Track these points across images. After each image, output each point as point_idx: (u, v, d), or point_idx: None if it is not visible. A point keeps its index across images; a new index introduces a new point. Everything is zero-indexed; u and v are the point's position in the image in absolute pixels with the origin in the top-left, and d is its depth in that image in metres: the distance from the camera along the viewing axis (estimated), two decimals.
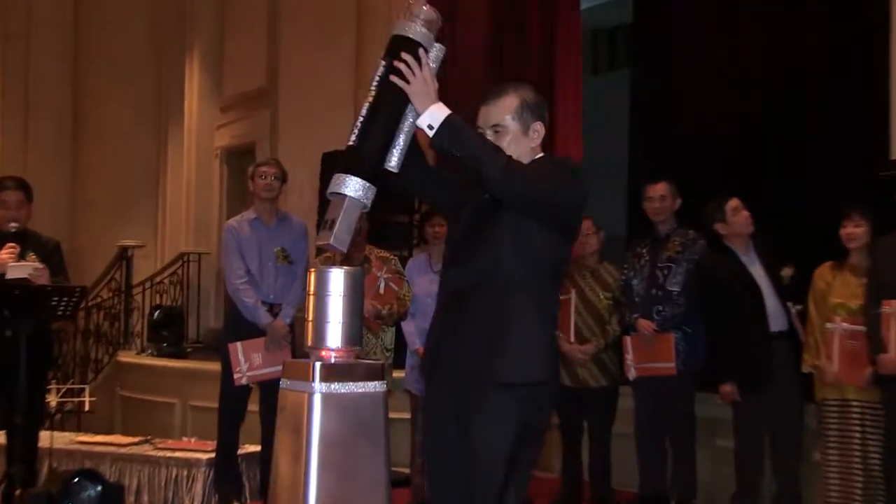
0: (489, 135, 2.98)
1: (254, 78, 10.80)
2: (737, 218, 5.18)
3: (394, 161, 2.87)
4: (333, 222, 2.75)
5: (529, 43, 7.88)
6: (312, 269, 2.86)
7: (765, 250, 5.19)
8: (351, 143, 2.82)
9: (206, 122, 11.78)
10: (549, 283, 2.99)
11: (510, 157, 2.86)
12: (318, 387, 2.70)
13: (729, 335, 5.08)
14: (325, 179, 7.93)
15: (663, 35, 7.26)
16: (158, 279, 11.19)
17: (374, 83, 2.85)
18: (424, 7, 2.88)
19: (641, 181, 5.75)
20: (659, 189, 5.51)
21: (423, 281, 5.70)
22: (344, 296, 2.79)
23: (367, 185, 2.77)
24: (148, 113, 12.84)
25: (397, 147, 2.87)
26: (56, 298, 4.86)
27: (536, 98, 3.06)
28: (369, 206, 2.81)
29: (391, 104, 2.83)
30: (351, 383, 2.76)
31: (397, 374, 6.02)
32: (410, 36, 2.85)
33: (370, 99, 2.84)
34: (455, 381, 2.94)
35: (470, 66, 7.91)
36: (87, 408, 6.34)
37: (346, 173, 2.77)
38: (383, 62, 2.85)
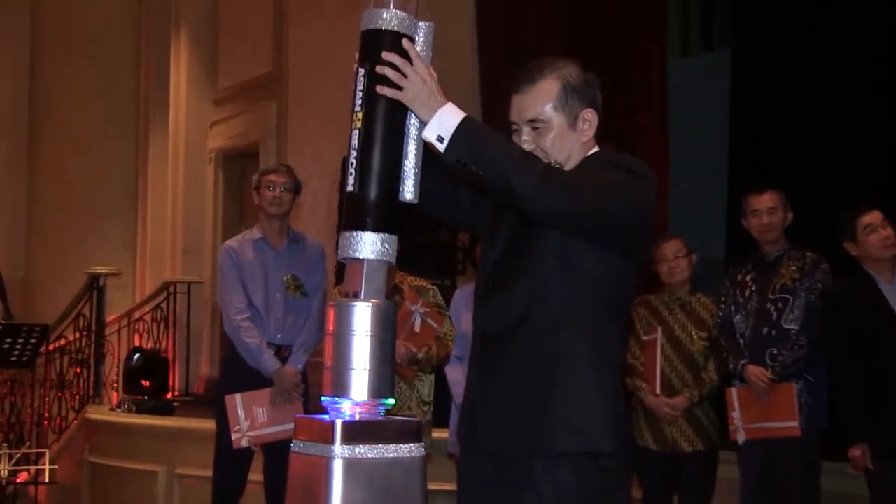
0: (526, 133, 2.95)
1: (256, 63, 10.89)
2: (870, 238, 5.10)
3: (409, 193, 2.84)
4: (356, 296, 2.75)
5: (601, 17, 7.87)
6: (332, 303, 2.83)
7: None
8: (350, 188, 2.79)
9: (196, 118, 11.88)
10: (607, 319, 2.94)
11: (547, 164, 2.82)
12: (339, 450, 2.69)
13: (863, 385, 5.02)
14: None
15: (772, 5, 7.22)
16: (137, 315, 11.27)
17: (358, 101, 2.80)
18: None
19: (744, 190, 5.72)
20: (767, 200, 5.46)
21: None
22: (371, 336, 2.75)
23: (385, 236, 2.76)
24: (124, 107, 12.97)
25: (408, 175, 2.84)
26: (9, 341, 4.89)
27: (583, 76, 3.00)
28: (394, 260, 2.79)
29: (387, 124, 2.79)
30: (380, 446, 2.74)
31: (438, 433, 6.01)
32: (387, 28, 2.78)
33: (357, 125, 2.79)
34: (495, 451, 2.93)
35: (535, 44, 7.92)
36: (46, 478, 6.40)
37: (356, 230, 2.76)
38: (361, 70, 2.80)
